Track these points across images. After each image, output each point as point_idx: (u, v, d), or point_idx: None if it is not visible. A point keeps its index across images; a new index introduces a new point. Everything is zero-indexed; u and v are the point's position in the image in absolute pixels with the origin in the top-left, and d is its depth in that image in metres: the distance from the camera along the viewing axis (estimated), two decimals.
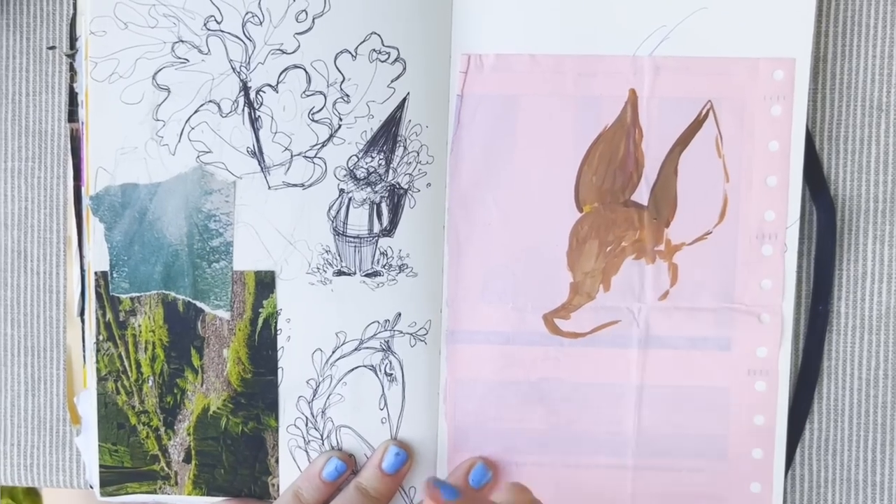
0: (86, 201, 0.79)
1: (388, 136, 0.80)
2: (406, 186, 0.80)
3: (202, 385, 0.81)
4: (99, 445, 0.82)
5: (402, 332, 0.82)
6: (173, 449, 0.82)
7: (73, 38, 0.80)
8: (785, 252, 0.80)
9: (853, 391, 0.83)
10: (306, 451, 0.82)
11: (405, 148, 0.80)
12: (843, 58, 0.81)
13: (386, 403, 0.82)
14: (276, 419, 0.82)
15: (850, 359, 0.83)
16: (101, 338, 0.80)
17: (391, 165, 0.80)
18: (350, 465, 0.82)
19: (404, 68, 0.79)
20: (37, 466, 0.87)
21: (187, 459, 0.82)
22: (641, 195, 0.81)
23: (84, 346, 0.82)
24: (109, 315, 0.80)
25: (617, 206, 0.81)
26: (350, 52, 0.79)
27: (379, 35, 0.79)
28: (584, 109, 0.80)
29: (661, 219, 0.81)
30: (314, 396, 0.82)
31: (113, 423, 0.81)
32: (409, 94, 0.80)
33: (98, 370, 0.81)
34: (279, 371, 0.81)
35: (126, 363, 0.81)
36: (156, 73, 0.78)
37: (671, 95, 0.80)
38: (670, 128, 0.80)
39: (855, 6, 0.81)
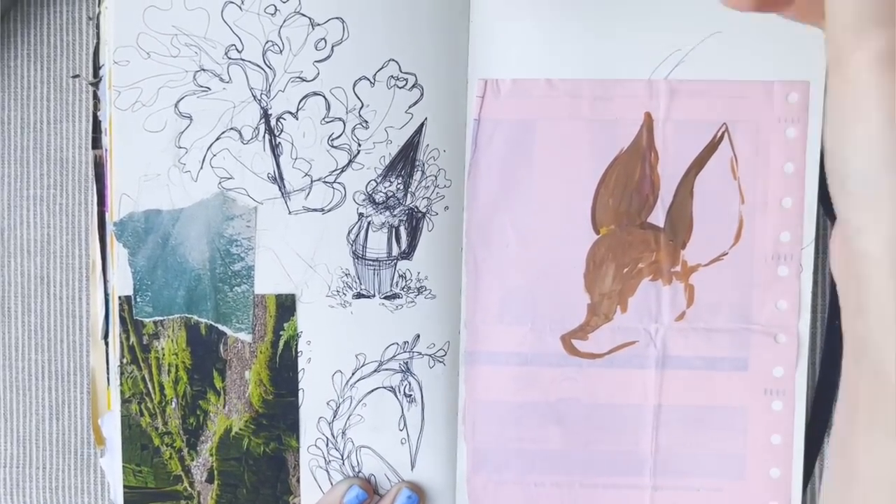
0: (110, 227, 0.79)
1: (406, 160, 0.80)
2: (424, 210, 0.81)
3: (224, 406, 0.81)
4: (123, 466, 0.81)
5: (420, 354, 0.82)
6: (196, 469, 0.82)
7: (96, 67, 0.80)
8: (801, 273, 0.80)
9: None
10: (327, 471, 0.82)
11: (423, 172, 0.80)
12: None
13: (405, 424, 0.82)
14: (297, 440, 0.82)
15: None
16: (124, 361, 0.80)
17: (409, 189, 0.80)
18: (370, 493, 0.81)
19: (422, 94, 0.79)
20: (62, 489, 0.87)
21: (210, 479, 0.82)
22: (657, 217, 0.81)
23: (108, 368, 0.81)
24: (133, 339, 0.80)
25: (633, 228, 0.81)
26: (368, 79, 0.79)
27: (397, 62, 0.79)
28: (600, 133, 0.80)
29: (677, 240, 0.81)
30: (334, 417, 0.82)
31: (137, 444, 0.81)
32: (426, 119, 0.80)
33: (122, 392, 0.81)
34: (300, 392, 0.81)
35: (150, 385, 0.81)
36: (178, 102, 0.78)
37: (686, 118, 0.80)
38: (686, 150, 0.80)
39: None
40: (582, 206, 0.81)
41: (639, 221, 0.81)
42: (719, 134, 0.80)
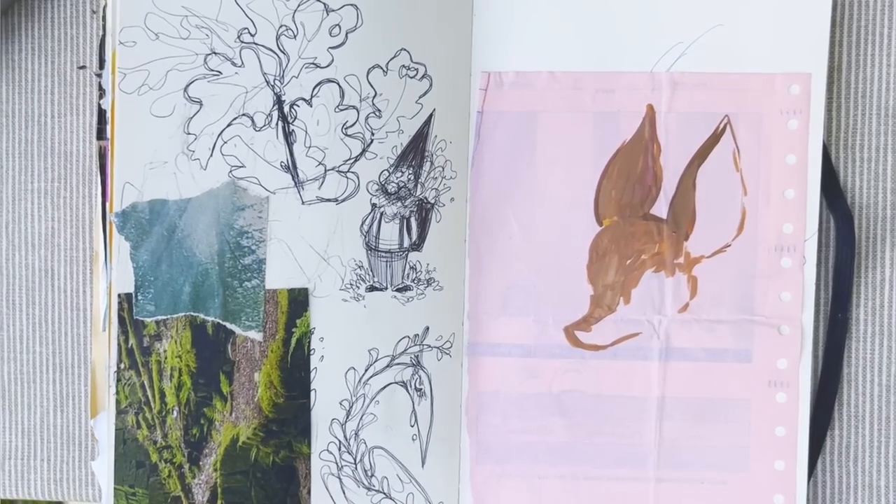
0: (110, 218, 0.73)
1: (416, 151, 0.76)
2: (433, 201, 0.77)
3: (231, 413, 0.75)
4: (115, 489, 0.74)
5: (430, 347, 0.77)
6: (197, 488, 0.75)
7: (101, 59, 0.75)
8: (804, 264, 0.77)
9: (873, 397, 0.79)
10: (339, 478, 0.77)
11: (432, 163, 0.76)
12: (858, 67, 0.78)
13: (416, 420, 0.78)
14: (309, 445, 0.76)
15: (870, 365, 0.79)
16: (122, 366, 0.73)
17: (419, 180, 0.76)
18: None
19: (431, 85, 0.76)
20: (66, 481, 0.84)
21: (212, 499, 0.75)
22: (660, 209, 0.78)
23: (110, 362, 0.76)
24: (132, 341, 0.74)
25: (636, 219, 0.78)
26: (381, 68, 0.75)
27: (408, 51, 0.75)
28: (602, 125, 0.78)
29: (680, 232, 0.78)
30: (347, 418, 0.76)
31: (131, 461, 0.74)
32: (435, 110, 0.76)
33: (118, 402, 0.74)
34: (312, 393, 0.76)
35: (149, 393, 0.74)
36: (188, 86, 0.73)
37: (688, 110, 0.77)
38: (688, 142, 0.78)
39: (868, 16, 0.78)
40: (585, 198, 0.78)
41: (642, 213, 0.78)
42: (721, 126, 0.77)
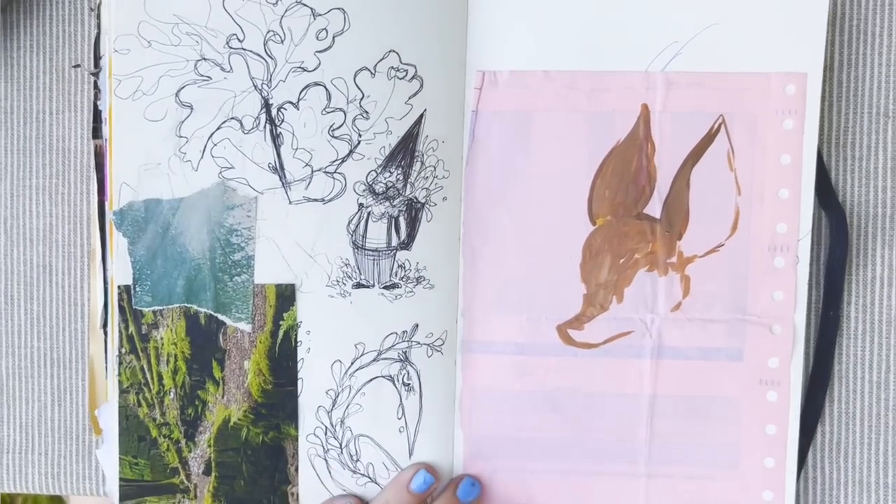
0: (109, 216, 0.77)
1: (405, 151, 0.77)
2: (423, 200, 0.78)
3: (223, 396, 0.79)
4: (119, 458, 0.78)
5: (419, 343, 0.79)
6: (193, 461, 0.79)
7: (97, 57, 0.77)
8: (797, 264, 0.78)
9: (864, 394, 0.81)
10: (325, 460, 0.80)
11: (422, 163, 0.78)
12: (850, 66, 0.79)
13: (404, 413, 0.80)
14: (296, 428, 0.79)
15: (861, 362, 0.80)
16: (123, 350, 0.77)
17: (409, 180, 0.78)
18: (437, 478, 0.80)
19: (421, 85, 0.77)
20: (64, 475, 0.86)
21: (207, 471, 0.79)
22: (654, 208, 0.79)
23: (107, 358, 0.79)
24: (132, 328, 0.77)
25: (630, 219, 0.79)
26: (369, 70, 0.76)
27: (397, 53, 0.76)
28: (597, 124, 0.78)
29: (673, 231, 0.78)
30: (333, 406, 0.79)
31: (134, 435, 0.78)
32: (426, 110, 0.77)
33: (120, 383, 0.78)
34: (299, 382, 0.79)
35: (148, 375, 0.78)
36: (179, 91, 0.75)
37: (683, 110, 0.78)
38: (682, 142, 0.78)
39: (861, 15, 0.79)
40: (579, 197, 0.79)
41: (635, 212, 0.79)
42: (716, 125, 0.78)
